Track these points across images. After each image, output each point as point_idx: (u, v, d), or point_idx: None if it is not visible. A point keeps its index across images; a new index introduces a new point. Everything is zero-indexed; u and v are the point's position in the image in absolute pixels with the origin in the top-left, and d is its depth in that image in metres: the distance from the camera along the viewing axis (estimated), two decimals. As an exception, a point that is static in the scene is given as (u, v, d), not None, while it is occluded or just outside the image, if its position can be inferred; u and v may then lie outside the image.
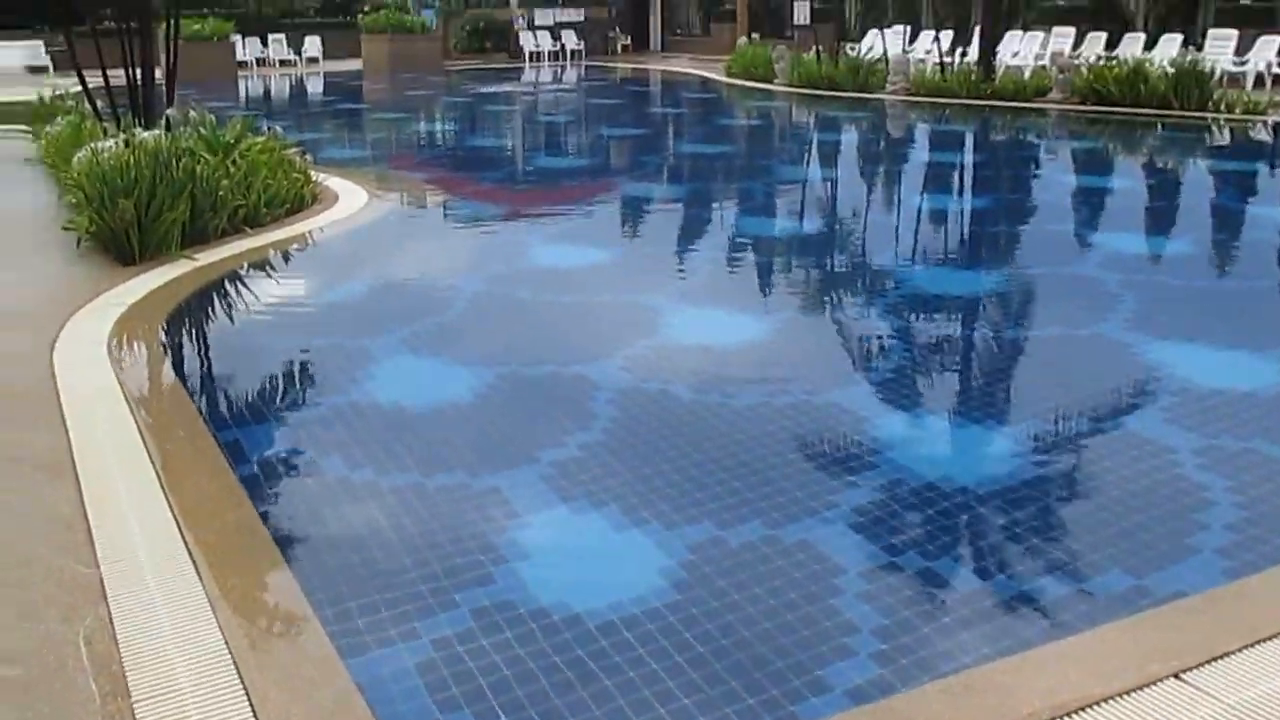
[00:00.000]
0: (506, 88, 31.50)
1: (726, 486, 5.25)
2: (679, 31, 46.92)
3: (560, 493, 5.21)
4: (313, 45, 43.23)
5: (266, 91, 33.82)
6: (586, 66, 39.03)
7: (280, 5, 49.26)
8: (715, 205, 14.42)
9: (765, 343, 7.80)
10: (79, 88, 15.74)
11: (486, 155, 19.70)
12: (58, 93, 19.97)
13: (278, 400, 6.83)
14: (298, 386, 7.07)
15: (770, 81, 27.41)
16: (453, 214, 13.62)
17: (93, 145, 11.08)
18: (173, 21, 14.98)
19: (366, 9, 44.15)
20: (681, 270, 10.30)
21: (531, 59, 40.86)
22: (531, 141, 21.96)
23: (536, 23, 42.28)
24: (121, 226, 9.30)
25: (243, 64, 39.14)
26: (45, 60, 38.87)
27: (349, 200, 12.36)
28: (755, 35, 36.14)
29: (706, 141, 20.73)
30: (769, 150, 19.97)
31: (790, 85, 26.47)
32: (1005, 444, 6.04)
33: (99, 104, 14.82)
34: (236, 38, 38.12)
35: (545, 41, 41.63)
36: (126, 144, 10.52)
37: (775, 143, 21.17)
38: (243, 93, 32.20)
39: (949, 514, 5.04)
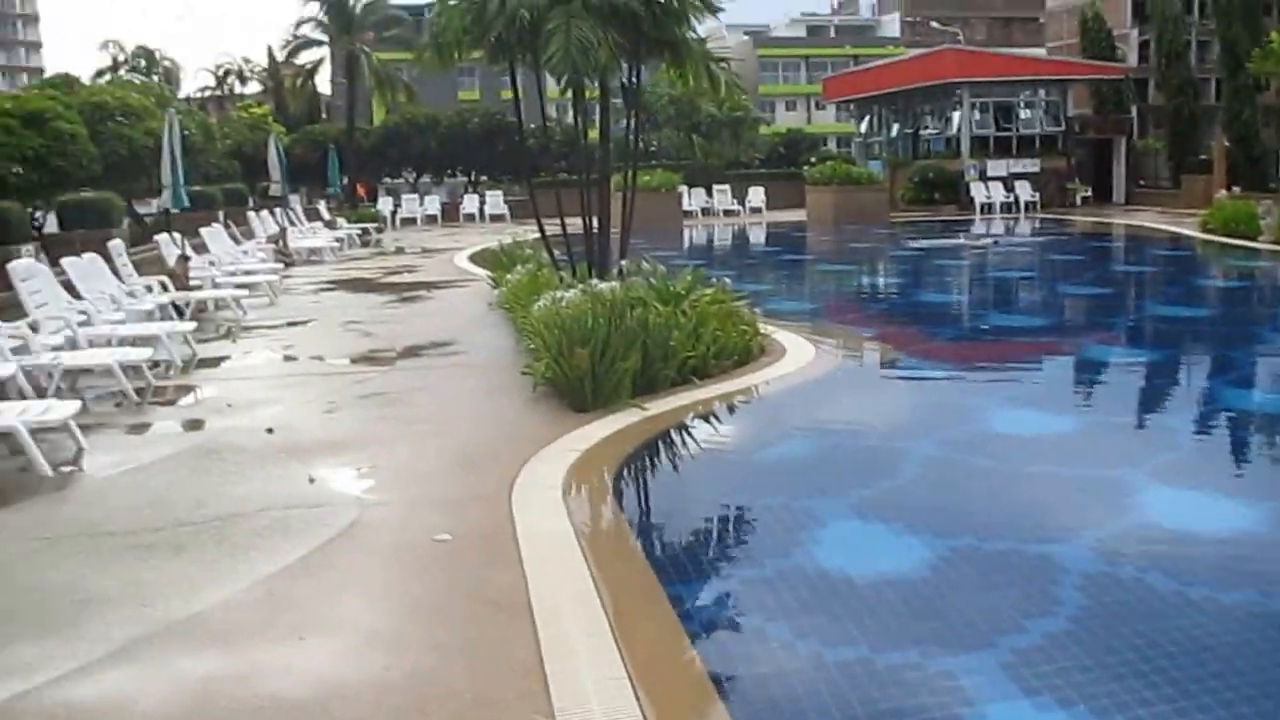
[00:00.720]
0: (957, 240, 31.49)
1: (1216, 695, 4.91)
2: (1144, 183, 45.67)
3: (1022, 684, 5.06)
4: (756, 195, 45.46)
5: (710, 241, 35.44)
6: (1041, 219, 38.56)
7: (726, 156, 51.96)
8: (1194, 373, 13.76)
9: (1258, 533, 7.25)
10: (534, 235, 17.13)
11: (937, 311, 19.71)
12: (516, 239, 21.83)
13: (723, 556, 7.07)
14: (744, 544, 7.28)
15: (1254, 238, 26.09)
16: (903, 372, 13.66)
17: (553, 294, 11.99)
18: (629, 173, 16.13)
19: (813, 160, 45.75)
20: (1156, 444, 9.83)
21: (982, 211, 40.83)
22: (984, 297, 21.84)
23: (989, 173, 42.31)
24: (577, 374, 9.94)
25: (688, 213, 41.47)
26: (504, 209, 43.22)
27: (796, 354, 12.64)
28: (1235, 188, 34.68)
29: (1181, 303, 19.78)
30: (1256, 314, 18.87)
31: (1279, 243, 25.08)
32: None
33: (555, 253, 16.05)
34: (683, 188, 40.44)
35: (997, 193, 41.56)
36: (584, 293, 11.31)
37: (1263, 306, 20.01)
38: (687, 242, 33.87)
39: None
